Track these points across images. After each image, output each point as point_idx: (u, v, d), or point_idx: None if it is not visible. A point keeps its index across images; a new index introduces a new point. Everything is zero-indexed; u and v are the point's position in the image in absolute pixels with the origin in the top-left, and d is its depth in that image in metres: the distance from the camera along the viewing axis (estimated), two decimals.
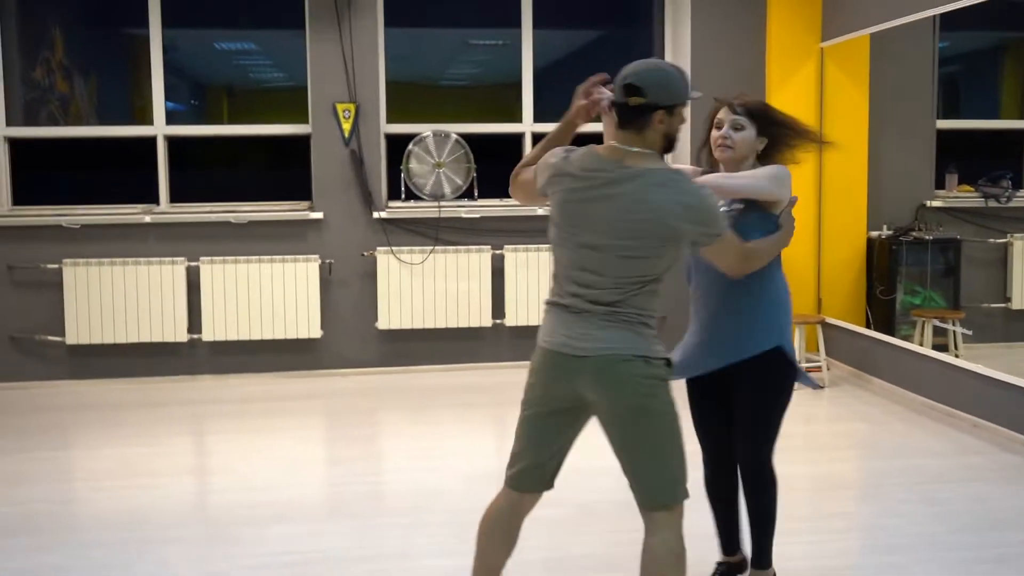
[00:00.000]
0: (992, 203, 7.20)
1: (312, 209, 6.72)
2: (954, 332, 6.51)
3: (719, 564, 3.39)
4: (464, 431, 5.53)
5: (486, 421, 5.86)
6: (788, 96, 6.88)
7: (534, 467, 2.90)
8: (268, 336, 6.62)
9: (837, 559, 3.71)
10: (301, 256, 6.62)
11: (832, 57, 6.89)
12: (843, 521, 4.12)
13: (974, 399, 5.42)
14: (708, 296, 3.14)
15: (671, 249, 2.66)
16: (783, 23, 6.86)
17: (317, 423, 5.83)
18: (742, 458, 3.20)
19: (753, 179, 3.03)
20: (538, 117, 7.08)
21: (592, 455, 5.09)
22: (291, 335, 6.63)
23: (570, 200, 2.69)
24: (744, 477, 3.22)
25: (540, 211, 6.88)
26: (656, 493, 2.76)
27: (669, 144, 2.73)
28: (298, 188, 6.90)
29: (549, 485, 2.95)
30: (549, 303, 2.82)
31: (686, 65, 6.96)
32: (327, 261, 6.68)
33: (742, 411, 3.18)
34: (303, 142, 6.78)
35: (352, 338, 6.77)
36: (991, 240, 7.15)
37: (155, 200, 6.76)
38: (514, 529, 2.97)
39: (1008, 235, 7.18)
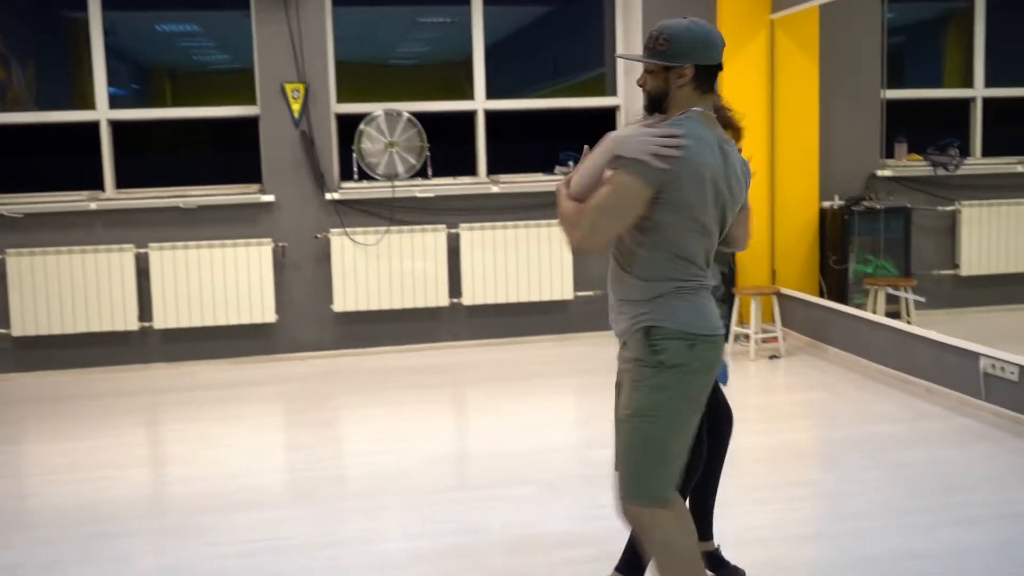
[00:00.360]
0: (941, 171, 7.29)
1: (263, 192, 6.61)
2: (906, 299, 6.60)
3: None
4: (424, 412, 5.49)
5: (446, 402, 5.83)
6: (740, 68, 6.89)
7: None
8: (221, 322, 6.51)
9: (802, 527, 3.75)
10: (253, 240, 6.51)
11: (782, 28, 6.92)
12: (805, 489, 4.16)
13: (927, 365, 5.50)
14: None
15: None
16: None
17: (275, 409, 5.75)
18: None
19: None
20: (490, 94, 7.02)
21: (552, 434, 5.11)
22: (245, 320, 6.54)
23: (713, 178, 2.47)
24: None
25: (495, 188, 6.84)
26: None
27: None
28: (247, 171, 6.79)
29: None
30: (693, 287, 2.51)
31: (637, 38, 6.94)
32: (280, 244, 6.58)
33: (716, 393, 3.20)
34: (251, 124, 6.66)
35: (307, 321, 6.69)
36: (940, 208, 7.24)
37: (100, 187, 6.61)
38: None
39: (956, 203, 7.28)
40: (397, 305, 6.71)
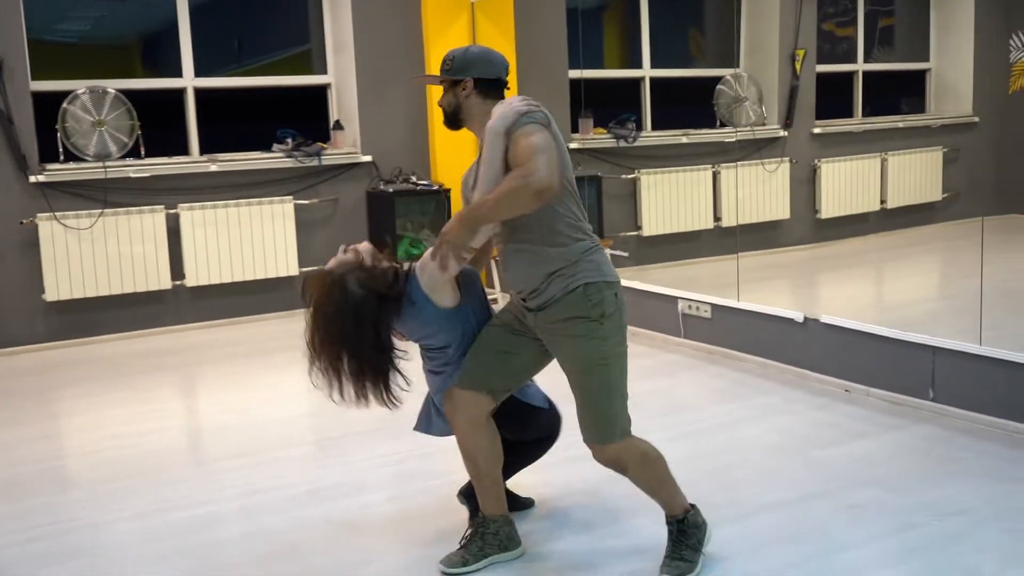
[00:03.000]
0: (622, 143, 8.16)
1: None
2: (609, 255, 7.34)
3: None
4: (168, 394, 5.41)
5: (187, 382, 5.74)
6: (445, 49, 7.27)
7: None
8: None
9: (573, 451, 4.18)
10: None
11: (482, 12, 7.39)
12: None
13: (631, 311, 6.19)
14: None
15: None
16: None
17: None
18: None
19: None
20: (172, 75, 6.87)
21: (304, 402, 5.19)
22: None
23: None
24: None
25: (213, 167, 6.76)
26: None
27: None
28: None
29: None
30: (594, 243, 2.96)
31: (346, 22, 7.12)
32: None
33: None
34: None
35: (15, 313, 6.26)
36: (623, 176, 8.11)
37: None
38: None
39: (636, 171, 8.19)
40: (116, 291, 6.45)
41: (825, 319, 4.95)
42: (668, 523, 3.07)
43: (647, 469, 3.04)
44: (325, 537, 3.41)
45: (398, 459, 4.11)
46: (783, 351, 5.18)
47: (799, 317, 5.07)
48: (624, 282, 6.28)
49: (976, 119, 9.74)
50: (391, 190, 7.01)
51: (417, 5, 7.27)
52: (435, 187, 7.14)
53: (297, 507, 3.70)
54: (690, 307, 5.77)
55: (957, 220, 9.67)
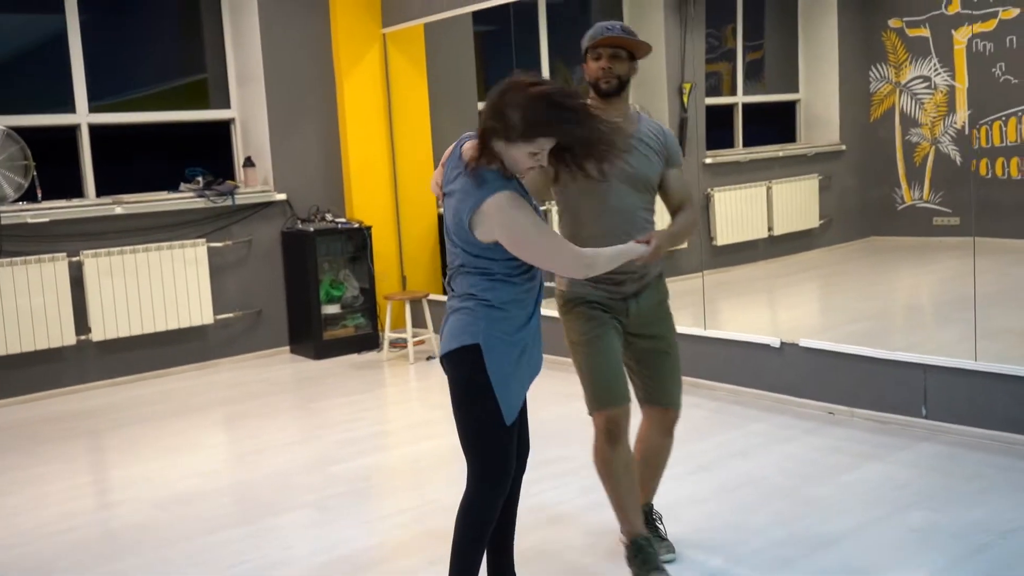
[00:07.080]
0: None
1: None
2: None
3: None
4: (109, 461, 4.83)
5: (123, 447, 5.05)
6: (358, 80, 7.01)
7: None
8: None
9: (585, 497, 3.97)
10: None
11: (394, 43, 7.15)
12: (566, 464, 4.34)
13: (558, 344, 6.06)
14: None
15: None
16: (346, 8, 6.94)
17: None
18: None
19: None
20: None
21: (273, 460, 4.70)
22: None
23: None
24: None
25: (119, 210, 6.19)
26: None
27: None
28: None
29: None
30: None
31: (255, 53, 6.71)
32: None
33: None
34: None
35: None
36: None
37: None
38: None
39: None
40: (14, 349, 5.77)
41: (804, 343, 4.96)
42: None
43: None
44: None
45: (413, 516, 3.78)
46: (758, 377, 5.16)
47: (775, 342, 5.07)
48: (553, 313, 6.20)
49: (843, 147, 10.23)
50: (311, 229, 6.62)
51: (328, 36, 6.96)
52: (356, 225, 6.81)
53: None
54: None
55: (833, 245, 10.13)
